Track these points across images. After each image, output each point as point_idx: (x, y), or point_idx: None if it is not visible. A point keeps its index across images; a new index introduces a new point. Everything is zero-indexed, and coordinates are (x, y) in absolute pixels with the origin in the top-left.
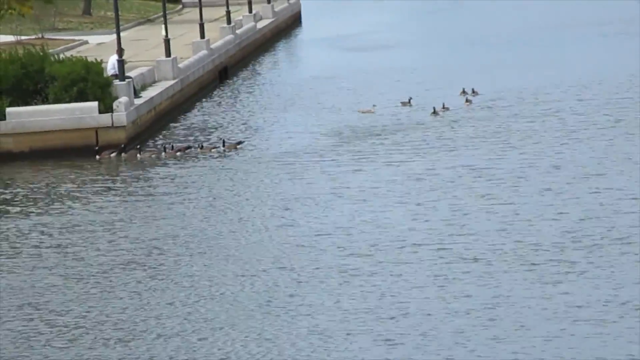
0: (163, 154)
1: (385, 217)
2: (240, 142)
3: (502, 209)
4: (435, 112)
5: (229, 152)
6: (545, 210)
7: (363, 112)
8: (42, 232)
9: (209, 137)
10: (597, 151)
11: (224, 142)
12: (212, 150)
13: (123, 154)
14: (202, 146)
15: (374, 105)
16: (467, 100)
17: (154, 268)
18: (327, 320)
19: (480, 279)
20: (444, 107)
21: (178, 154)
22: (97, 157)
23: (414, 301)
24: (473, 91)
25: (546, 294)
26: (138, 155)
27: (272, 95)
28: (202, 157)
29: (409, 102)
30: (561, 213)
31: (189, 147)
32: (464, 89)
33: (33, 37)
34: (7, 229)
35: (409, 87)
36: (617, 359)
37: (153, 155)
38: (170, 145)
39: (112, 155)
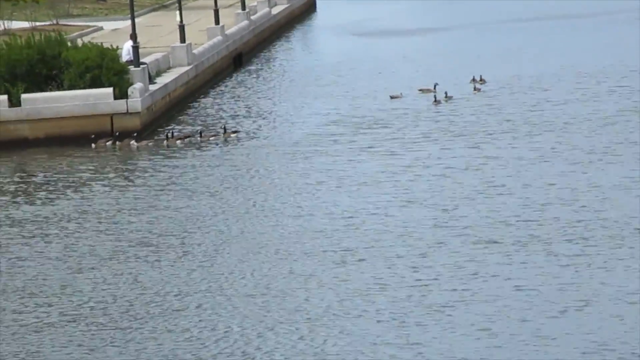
0: (165, 142)
1: (385, 206)
2: (235, 131)
3: (505, 196)
4: (437, 101)
5: (227, 139)
6: (551, 198)
7: (393, 98)
8: (40, 220)
9: (222, 122)
10: (602, 139)
11: (224, 129)
12: (212, 137)
13: (118, 142)
14: (202, 134)
15: (401, 93)
16: (475, 89)
17: (157, 256)
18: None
19: (489, 266)
20: (446, 96)
21: (178, 142)
22: (93, 145)
23: (419, 290)
24: (481, 78)
25: (551, 281)
26: (133, 142)
27: (287, 82)
28: (205, 145)
29: (435, 89)
30: (567, 201)
31: (188, 136)
32: (474, 77)
33: (47, 23)
34: (7, 216)
35: (423, 74)
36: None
37: (150, 144)
38: (171, 133)
39: (108, 143)
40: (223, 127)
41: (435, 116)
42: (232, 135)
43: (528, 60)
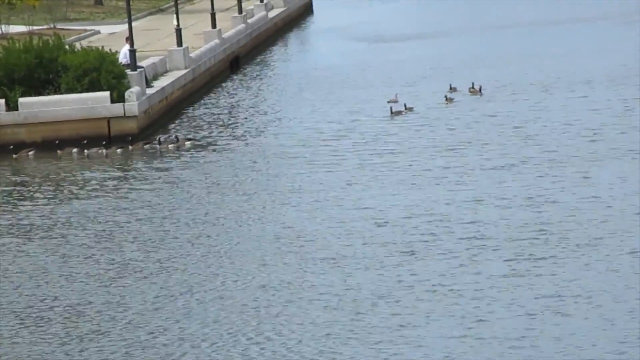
0: (103, 151)
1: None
2: (190, 139)
3: (493, 198)
4: (394, 113)
5: (181, 147)
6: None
7: (389, 102)
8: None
9: (218, 127)
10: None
11: (177, 138)
12: (170, 145)
13: (59, 151)
14: (161, 141)
15: (396, 94)
16: (446, 99)
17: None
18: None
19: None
20: (406, 107)
21: (119, 151)
22: (14, 156)
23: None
24: (479, 88)
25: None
26: (73, 150)
27: (283, 85)
28: (141, 153)
29: (480, 90)
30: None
31: (148, 143)
32: (450, 86)
33: (45, 27)
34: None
35: (421, 80)
36: None
37: (100, 151)
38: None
39: (30, 153)
40: (175, 136)
41: (385, 130)
42: (187, 143)
43: (522, 66)
